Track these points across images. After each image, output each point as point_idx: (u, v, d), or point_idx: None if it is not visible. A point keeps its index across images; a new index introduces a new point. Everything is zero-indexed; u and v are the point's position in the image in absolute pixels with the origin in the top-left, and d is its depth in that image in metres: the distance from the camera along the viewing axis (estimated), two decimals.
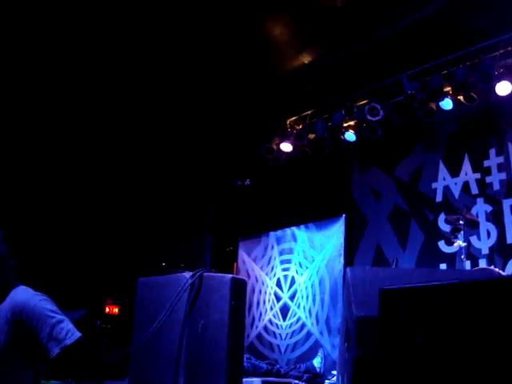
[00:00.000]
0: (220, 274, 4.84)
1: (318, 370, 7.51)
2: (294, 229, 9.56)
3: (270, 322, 9.43)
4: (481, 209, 7.89)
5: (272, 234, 9.79)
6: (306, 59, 8.79)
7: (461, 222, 6.66)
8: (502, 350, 2.01)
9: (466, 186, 8.18)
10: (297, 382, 7.02)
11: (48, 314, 2.66)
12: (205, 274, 4.70)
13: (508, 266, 7.36)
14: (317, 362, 7.72)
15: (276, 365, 7.44)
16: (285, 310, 9.26)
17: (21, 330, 2.64)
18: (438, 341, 2.15)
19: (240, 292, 4.70)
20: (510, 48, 7.50)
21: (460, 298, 2.16)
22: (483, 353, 2.05)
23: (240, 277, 5.83)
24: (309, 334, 8.75)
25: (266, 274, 9.80)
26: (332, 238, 8.80)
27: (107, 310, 10.46)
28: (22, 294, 2.75)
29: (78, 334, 2.67)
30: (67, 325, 2.68)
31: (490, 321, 2.08)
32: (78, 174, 9.40)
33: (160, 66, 8.51)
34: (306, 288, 9.01)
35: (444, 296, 2.22)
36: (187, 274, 4.64)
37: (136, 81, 8.67)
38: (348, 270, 3.27)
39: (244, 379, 5.48)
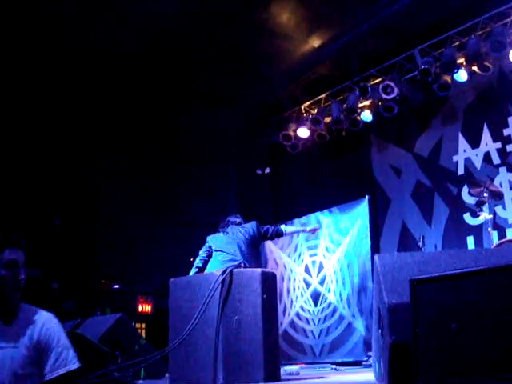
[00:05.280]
0: (250, 269, 4.89)
1: None
2: (319, 214, 9.54)
3: (302, 308, 9.47)
4: (504, 178, 7.81)
5: (296, 220, 9.78)
6: (315, 43, 8.76)
7: (485, 194, 6.59)
8: None
9: (487, 156, 8.09)
10: (334, 366, 7.08)
11: (57, 339, 2.78)
12: (235, 270, 4.76)
13: None
14: None
15: None
16: (315, 296, 9.29)
17: (38, 350, 2.74)
18: (472, 327, 2.18)
19: (271, 285, 4.77)
20: None
21: (489, 283, 2.19)
22: None
23: (269, 270, 5.90)
24: (341, 318, 8.77)
25: (294, 261, 9.82)
26: (357, 221, 8.78)
27: (140, 308, 10.62)
28: (40, 317, 2.81)
29: (77, 365, 2.78)
30: (70, 353, 2.80)
31: None
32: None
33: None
34: (335, 272, 9.03)
35: (472, 282, 2.24)
36: (217, 272, 4.71)
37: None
38: (376, 257, 3.28)
39: (283, 367, 5.57)
